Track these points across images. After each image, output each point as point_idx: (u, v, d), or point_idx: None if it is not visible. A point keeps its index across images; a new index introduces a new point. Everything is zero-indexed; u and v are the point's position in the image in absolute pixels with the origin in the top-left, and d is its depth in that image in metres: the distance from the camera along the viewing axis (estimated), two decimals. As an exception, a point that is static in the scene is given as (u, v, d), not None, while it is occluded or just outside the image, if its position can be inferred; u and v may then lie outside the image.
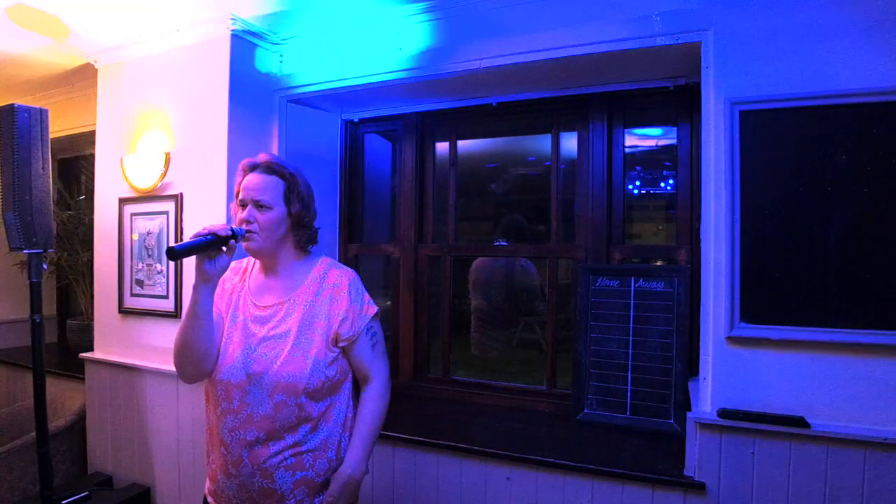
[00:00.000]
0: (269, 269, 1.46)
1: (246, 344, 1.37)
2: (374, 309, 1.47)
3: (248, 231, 1.36)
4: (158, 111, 2.47)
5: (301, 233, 1.45)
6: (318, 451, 1.37)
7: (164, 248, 2.41)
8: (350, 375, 1.48)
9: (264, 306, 1.42)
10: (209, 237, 1.26)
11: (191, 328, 1.32)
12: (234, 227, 1.32)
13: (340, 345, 1.41)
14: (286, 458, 1.33)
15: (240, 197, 1.41)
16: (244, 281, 1.49)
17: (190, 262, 1.30)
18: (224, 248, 1.30)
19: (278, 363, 1.33)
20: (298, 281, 1.44)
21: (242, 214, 1.38)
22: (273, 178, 1.40)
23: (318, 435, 1.38)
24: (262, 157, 1.43)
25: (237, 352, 1.37)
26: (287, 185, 1.41)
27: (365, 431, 1.43)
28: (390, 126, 2.76)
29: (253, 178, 1.40)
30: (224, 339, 1.40)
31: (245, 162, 1.44)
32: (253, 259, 1.51)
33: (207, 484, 1.46)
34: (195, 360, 1.36)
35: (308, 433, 1.36)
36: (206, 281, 1.30)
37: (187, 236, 2.35)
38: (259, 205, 1.37)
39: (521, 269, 2.86)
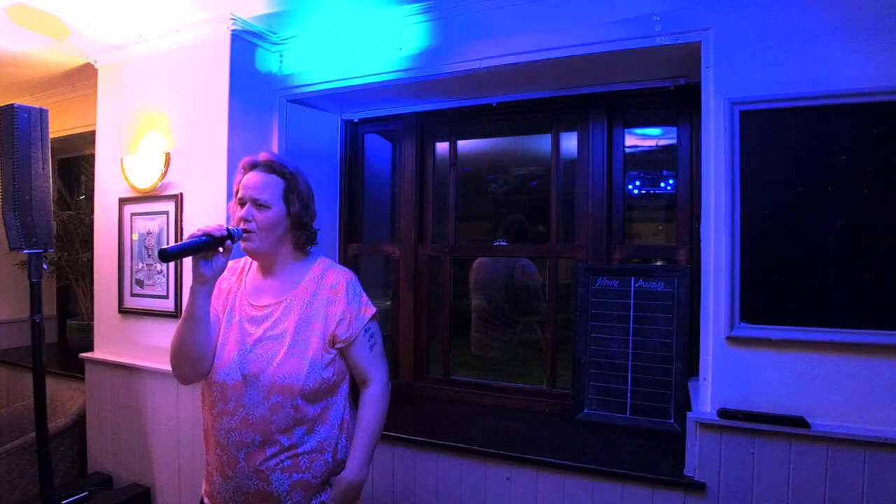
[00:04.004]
0: (266, 269, 1.45)
1: (241, 344, 1.36)
2: (371, 310, 1.45)
3: (245, 230, 1.35)
4: (158, 111, 2.47)
5: (300, 233, 1.43)
6: (315, 454, 1.36)
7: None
8: (347, 377, 1.46)
9: (261, 306, 1.40)
10: (203, 238, 1.24)
11: (188, 330, 1.31)
12: (230, 227, 1.30)
13: (338, 346, 1.39)
14: (282, 461, 1.32)
15: (239, 195, 1.39)
16: (240, 281, 1.47)
17: (190, 262, 1.30)
18: (220, 249, 1.28)
19: (274, 364, 1.32)
20: (296, 281, 1.43)
21: (241, 213, 1.37)
22: (273, 177, 1.39)
23: (315, 437, 1.36)
24: (262, 156, 1.42)
25: (233, 353, 1.35)
26: (287, 184, 1.40)
27: (365, 436, 1.41)
28: (390, 126, 2.76)
29: (253, 177, 1.39)
30: (220, 340, 1.39)
31: (245, 160, 1.43)
32: (250, 259, 1.49)
33: (204, 485, 1.45)
34: (192, 361, 1.35)
35: (304, 435, 1.34)
36: (203, 283, 1.28)
37: (185, 237, 2.35)
38: (258, 203, 1.36)
39: (521, 269, 2.86)
